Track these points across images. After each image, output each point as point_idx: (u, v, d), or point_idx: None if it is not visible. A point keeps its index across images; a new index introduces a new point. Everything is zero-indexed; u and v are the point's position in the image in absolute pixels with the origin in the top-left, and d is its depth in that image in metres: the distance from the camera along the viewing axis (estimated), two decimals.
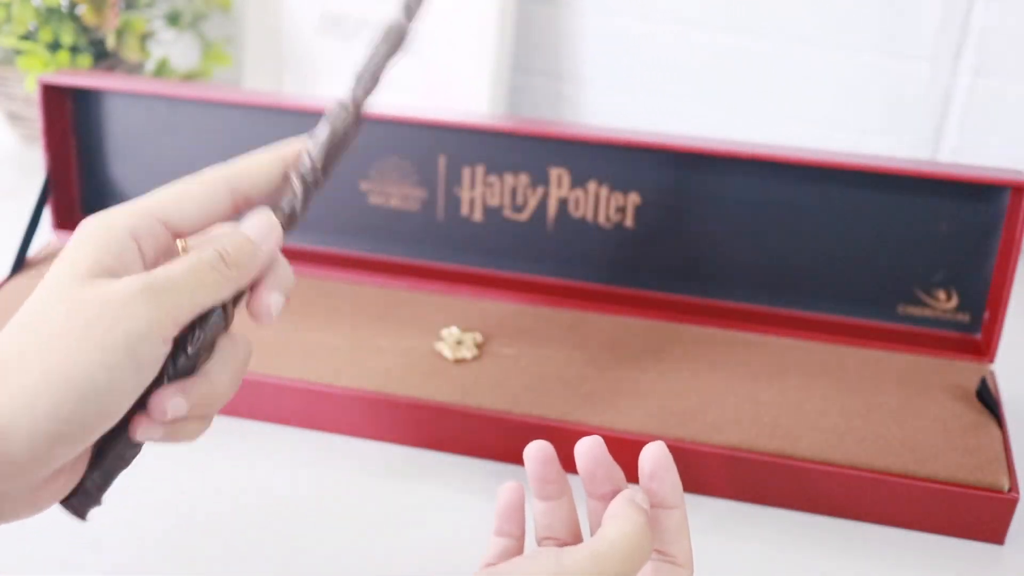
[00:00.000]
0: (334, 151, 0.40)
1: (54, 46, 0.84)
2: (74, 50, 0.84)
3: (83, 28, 0.84)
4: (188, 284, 0.33)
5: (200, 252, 0.35)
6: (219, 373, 0.35)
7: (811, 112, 0.86)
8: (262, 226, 0.37)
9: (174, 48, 0.96)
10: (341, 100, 0.41)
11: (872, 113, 0.85)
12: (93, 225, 0.34)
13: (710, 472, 0.53)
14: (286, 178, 0.39)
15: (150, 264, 0.35)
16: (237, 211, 0.38)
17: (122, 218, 0.35)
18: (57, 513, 0.36)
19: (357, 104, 0.41)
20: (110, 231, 0.34)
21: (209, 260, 0.34)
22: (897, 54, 0.82)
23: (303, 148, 0.39)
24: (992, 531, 0.51)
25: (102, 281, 0.32)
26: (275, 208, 0.38)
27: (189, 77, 0.91)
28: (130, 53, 0.84)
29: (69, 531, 0.48)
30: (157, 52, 0.94)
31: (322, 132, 0.40)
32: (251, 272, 0.36)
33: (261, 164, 0.38)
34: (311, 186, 0.39)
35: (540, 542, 0.39)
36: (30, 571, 0.47)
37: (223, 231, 0.37)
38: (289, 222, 0.38)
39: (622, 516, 0.34)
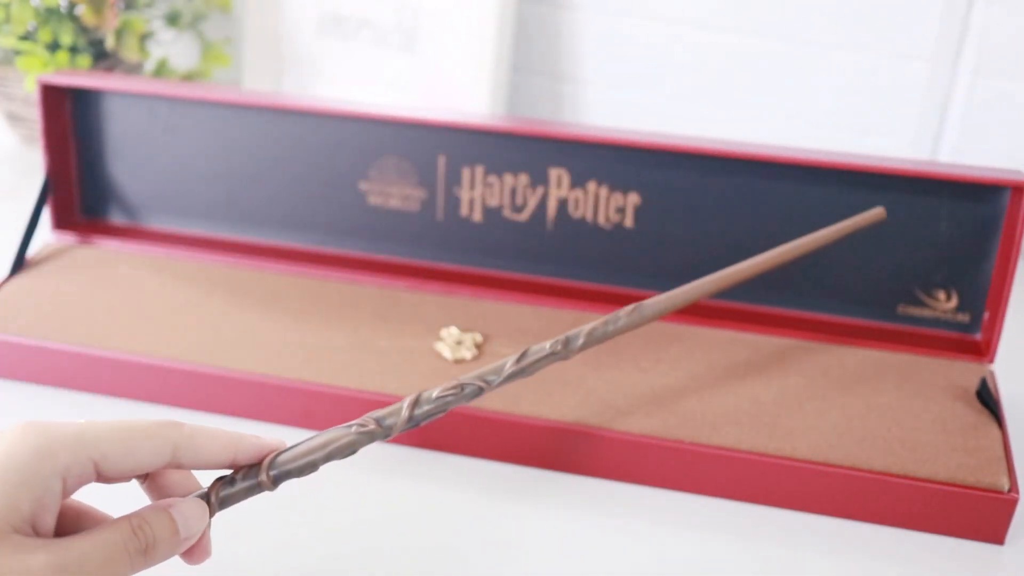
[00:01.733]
0: (314, 463, 0.38)
1: (53, 46, 0.84)
2: (73, 50, 0.84)
3: (82, 28, 0.84)
4: (98, 566, 0.33)
5: (119, 530, 0.34)
6: None
7: (811, 112, 0.86)
8: (192, 518, 0.36)
9: (173, 48, 0.96)
10: (377, 420, 0.39)
11: (872, 113, 0.85)
12: (30, 469, 0.32)
13: (709, 472, 0.53)
14: (234, 464, 0.37)
15: (68, 492, 0.34)
16: (168, 469, 0.37)
17: (61, 457, 0.33)
18: None
19: (389, 431, 0.39)
20: (41, 478, 0.32)
21: (125, 544, 0.34)
22: (897, 54, 0.82)
23: (276, 448, 0.38)
24: (992, 531, 0.51)
25: (14, 543, 0.31)
26: (211, 493, 0.37)
27: (189, 77, 0.91)
28: (129, 53, 0.84)
29: None
30: (156, 52, 0.94)
31: (320, 443, 0.38)
32: (165, 559, 0.35)
33: (213, 447, 0.37)
34: (264, 486, 0.37)
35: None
36: None
37: (149, 510, 0.35)
38: (219, 508, 0.37)
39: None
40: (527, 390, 0.56)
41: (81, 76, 0.68)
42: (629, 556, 0.49)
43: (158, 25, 0.92)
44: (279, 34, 0.95)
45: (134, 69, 0.90)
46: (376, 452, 0.55)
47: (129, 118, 0.69)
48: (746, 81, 0.87)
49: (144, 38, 0.87)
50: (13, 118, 0.90)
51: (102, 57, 0.87)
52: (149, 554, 0.34)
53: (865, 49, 0.83)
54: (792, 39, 0.85)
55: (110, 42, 0.83)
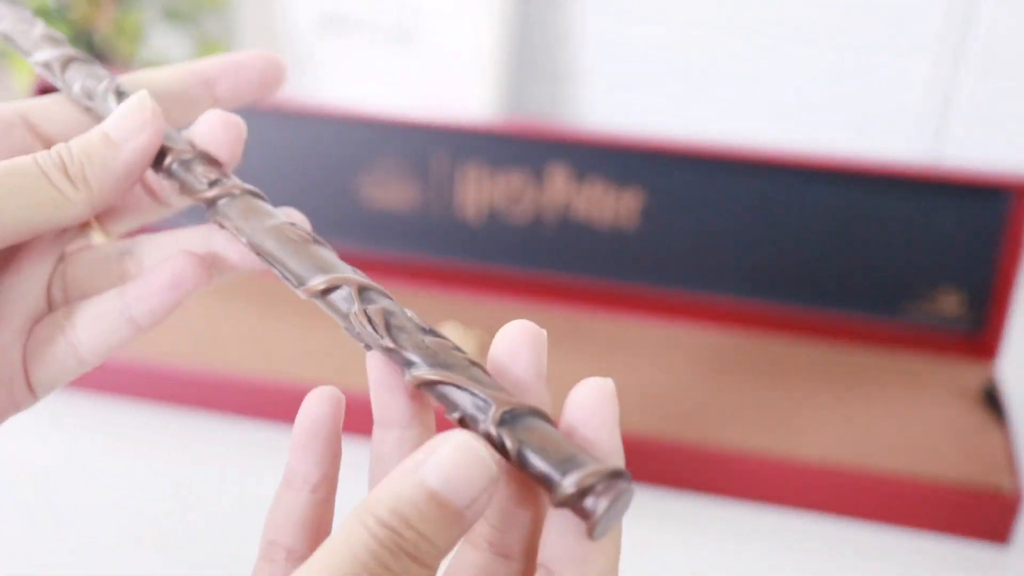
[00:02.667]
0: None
1: None
2: None
3: (74, 28, 0.84)
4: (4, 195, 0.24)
5: (38, 153, 0.25)
6: None
7: (812, 110, 0.86)
8: (130, 114, 0.26)
9: (168, 43, 0.95)
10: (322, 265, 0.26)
11: (874, 111, 0.85)
12: None
13: (709, 472, 0.53)
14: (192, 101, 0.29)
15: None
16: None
17: None
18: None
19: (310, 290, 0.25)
20: None
21: (42, 164, 0.25)
22: (900, 52, 0.82)
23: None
24: (997, 532, 0.51)
25: None
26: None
27: None
28: (122, 49, 0.84)
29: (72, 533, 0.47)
30: (150, 48, 0.94)
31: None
32: (105, 186, 0.26)
33: (168, 75, 0.29)
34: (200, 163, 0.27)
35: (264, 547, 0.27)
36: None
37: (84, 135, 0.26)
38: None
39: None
40: None
41: None
42: (626, 556, 0.49)
43: (154, 17, 0.91)
44: (277, 31, 0.95)
45: (126, 66, 0.90)
46: None
47: None
48: (747, 80, 0.87)
49: (138, 35, 0.86)
50: None
51: (94, 53, 0.86)
52: (75, 177, 0.25)
53: (867, 47, 0.83)
54: (793, 38, 0.84)
55: (104, 39, 0.83)
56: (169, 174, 0.27)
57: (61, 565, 0.47)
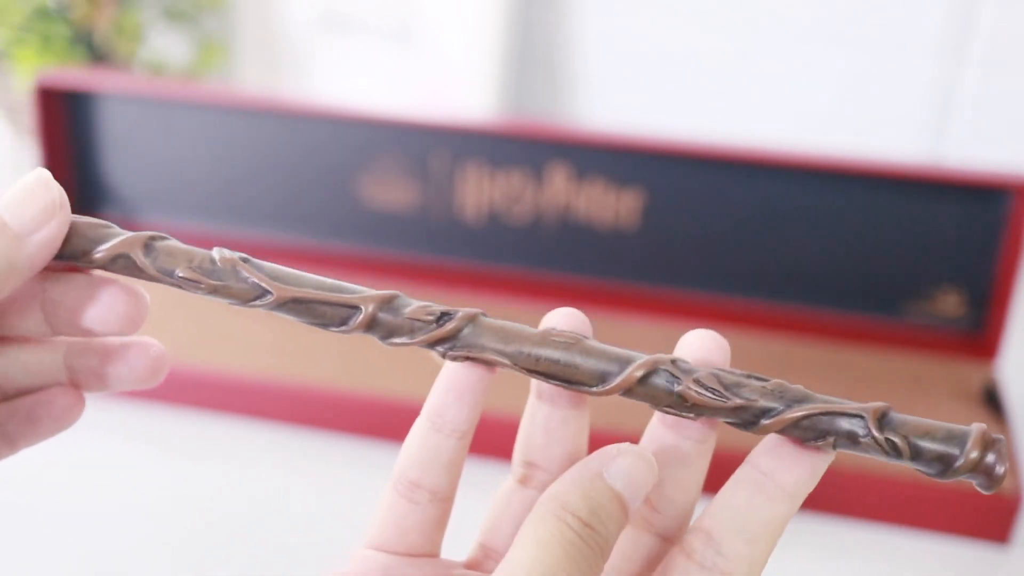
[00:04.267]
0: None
1: (45, 43, 0.83)
2: (66, 45, 0.84)
3: (74, 28, 0.83)
4: None
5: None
6: None
7: (814, 109, 0.86)
8: (31, 198, 0.23)
9: (168, 43, 0.95)
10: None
11: (876, 110, 0.85)
12: None
13: (710, 471, 0.52)
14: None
15: None
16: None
17: None
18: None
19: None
20: None
21: None
22: (902, 53, 0.82)
23: None
24: (997, 531, 0.51)
25: None
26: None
27: (185, 74, 0.90)
28: (122, 49, 0.84)
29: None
30: (150, 47, 0.93)
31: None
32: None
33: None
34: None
35: (518, 473, 0.28)
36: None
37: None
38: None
39: (535, 522, 0.23)
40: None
41: (76, 76, 0.67)
42: None
43: (152, 18, 0.91)
44: (277, 30, 0.95)
45: (126, 63, 0.89)
46: (375, 452, 0.55)
47: (125, 120, 0.68)
48: (748, 80, 0.87)
49: (136, 34, 0.86)
50: (10, 111, 0.90)
51: (94, 53, 0.86)
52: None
53: (869, 46, 0.83)
54: (794, 37, 0.84)
55: (101, 35, 0.83)
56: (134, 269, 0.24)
57: (62, 566, 0.47)
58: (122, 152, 0.70)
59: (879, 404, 0.24)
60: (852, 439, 0.24)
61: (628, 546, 0.27)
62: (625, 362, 0.24)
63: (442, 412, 0.26)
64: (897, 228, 0.61)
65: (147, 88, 0.66)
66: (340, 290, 0.25)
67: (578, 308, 0.62)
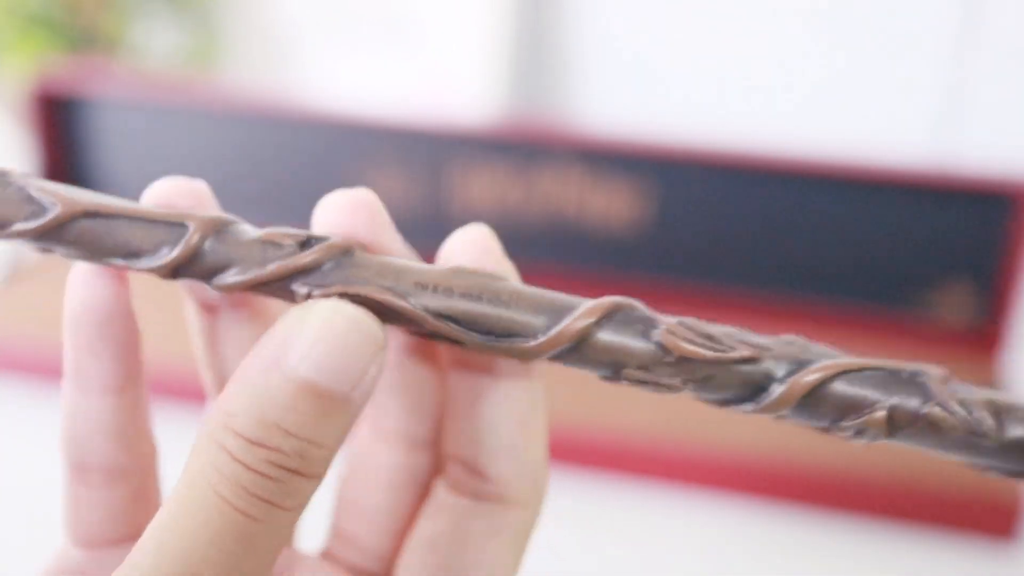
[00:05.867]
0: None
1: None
2: (52, 31, 0.83)
3: (59, 13, 0.82)
4: None
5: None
6: None
7: (815, 108, 0.86)
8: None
9: (159, 29, 0.94)
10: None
11: (878, 108, 0.84)
12: None
13: (711, 471, 0.53)
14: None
15: None
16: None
17: None
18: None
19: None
20: None
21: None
22: (909, 48, 0.81)
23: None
24: (1000, 529, 0.51)
25: None
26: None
27: (178, 65, 0.89)
28: (108, 33, 0.83)
29: None
30: (142, 34, 0.92)
31: None
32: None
33: None
34: None
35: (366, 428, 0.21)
36: None
37: None
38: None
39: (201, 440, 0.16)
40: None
41: (73, 79, 0.67)
42: (612, 553, 0.49)
43: (152, 11, 0.90)
44: (275, 25, 0.94)
45: (112, 48, 0.88)
46: None
47: (122, 123, 0.68)
48: (753, 76, 0.86)
49: (122, 19, 0.85)
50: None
51: (79, 38, 0.85)
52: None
53: (875, 46, 0.82)
54: (796, 36, 0.84)
55: (87, 20, 0.82)
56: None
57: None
58: (119, 154, 0.69)
59: (925, 367, 0.17)
60: (902, 411, 0.16)
61: (389, 466, 0.20)
62: (565, 309, 0.17)
63: (80, 362, 0.18)
64: (902, 226, 0.60)
65: (143, 89, 0.66)
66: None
67: None
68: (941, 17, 0.79)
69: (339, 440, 0.16)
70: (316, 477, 0.16)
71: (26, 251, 0.68)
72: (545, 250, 0.66)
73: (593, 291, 0.65)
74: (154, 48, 0.89)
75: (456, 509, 0.19)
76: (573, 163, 0.63)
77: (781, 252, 0.63)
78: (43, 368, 0.58)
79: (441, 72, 0.89)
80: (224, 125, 0.67)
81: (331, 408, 0.15)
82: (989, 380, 0.57)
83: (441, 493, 0.19)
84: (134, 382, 0.19)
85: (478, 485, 0.18)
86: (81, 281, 0.18)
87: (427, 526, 0.19)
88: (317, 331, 0.15)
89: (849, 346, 0.61)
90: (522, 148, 0.63)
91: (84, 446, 0.19)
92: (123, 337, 0.18)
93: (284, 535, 0.16)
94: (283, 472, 0.15)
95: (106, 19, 0.83)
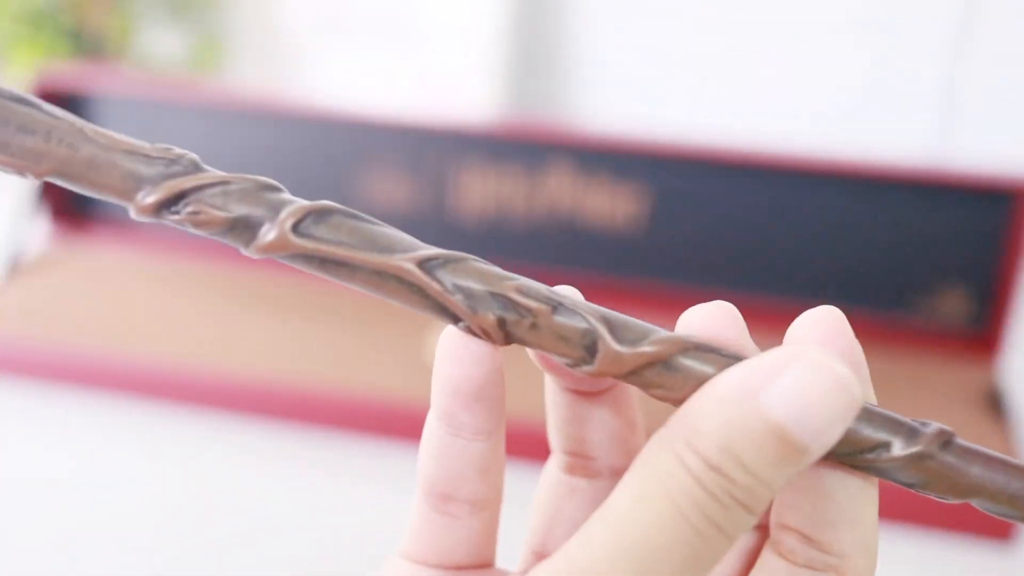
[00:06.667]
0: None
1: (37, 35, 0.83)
2: (58, 36, 0.83)
3: (66, 20, 0.83)
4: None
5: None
6: None
7: (814, 109, 0.86)
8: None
9: (164, 36, 0.94)
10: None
11: (880, 107, 0.84)
12: None
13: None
14: None
15: None
16: None
17: None
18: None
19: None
20: None
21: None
22: (909, 46, 0.81)
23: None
24: (999, 530, 0.51)
25: None
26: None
27: (182, 70, 0.90)
28: (114, 42, 0.83)
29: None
30: (147, 42, 0.93)
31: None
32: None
33: None
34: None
35: (562, 461, 0.22)
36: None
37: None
38: None
39: (649, 463, 0.17)
40: (533, 391, 0.55)
41: (75, 77, 0.67)
42: None
43: (149, 10, 0.91)
44: (277, 27, 0.94)
45: (118, 56, 0.89)
46: (374, 452, 0.55)
47: (126, 121, 0.68)
48: (753, 75, 0.86)
49: (128, 28, 0.85)
50: None
51: (85, 46, 0.86)
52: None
53: (873, 43, 0.82)
54: (798, 35, 0.84)
55: (92, 28, 0.82)
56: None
57: (63, 566, 0.47)
58: None
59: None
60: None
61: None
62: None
63: (455, 415, 0.20)
64: (901, 227, 0.60)
65: (145, 89, 0.66)
66: None
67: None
68: (940, 19, 0.79)
69: (780, 487, 0.16)
70: (756, 514, 0.16)
71: (25, 249, 0.68)
72: (544, 250, 0.66)
73: (593, 291, 0.65)
74: (158, 51, 0.89)
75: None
76: (572, 163, 0.63)
77: (779, 253, 0.63)
78: (43, 368, 0.58)
79: (441, 72, 0.90)
80: (226, 125, 0.67)
81: (790, 456, 0.16)
82: (988, 380, 0.57)
83: (772, 560, 0.19)
84: (499, 427, 0.20)
85: (814, 555, 0.18)
86: (459, 350, 0.19)
87: None
88: (802, 378, 0.16)
89: None
90: (522, 148, 0.63)
91: (453, 481, 0.20)
92: (495, 395, 0.20)
93: (716, 560, 0.16)
94: (732, 500, 0.16)
95: (110, 23, 0.83)
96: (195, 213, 0.18)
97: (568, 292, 0.19)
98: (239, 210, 0.18)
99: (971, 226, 0.59)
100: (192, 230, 0.18)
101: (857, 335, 0.62)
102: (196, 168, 0.18)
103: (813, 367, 0.16)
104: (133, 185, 0.18)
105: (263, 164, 0.67)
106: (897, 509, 0.51)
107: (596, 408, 0.21)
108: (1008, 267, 0.59)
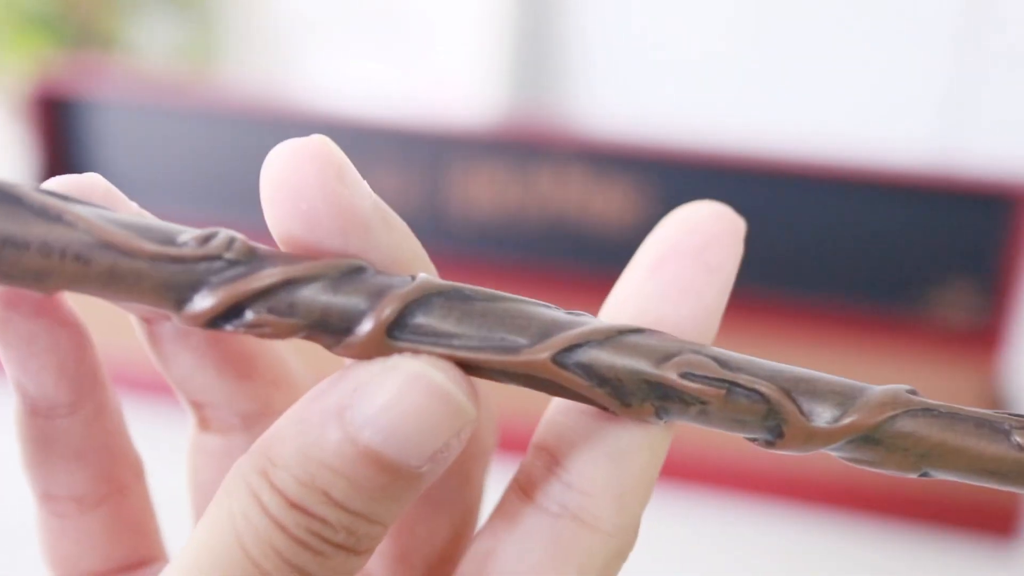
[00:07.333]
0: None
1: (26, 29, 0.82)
2: (47, 29, 0.83)
3: (56, 10, 0.82)
4: None
5: None
6: None
7: (817, 109, 0.86)
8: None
9: (157, 26, 0.94)
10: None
11: (879, 110, 0.84)
12: None
13: (712, 470, 0.52)
14: None
15: None
16: None
17: None
18: None
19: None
20: None
21: None
22: (915, 46, 0.81)
23: None
24: (1003, 528, 0.51)
25: None
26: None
27: (176, 61, 0.89)
28: (105, 31, 0.83)
29: None
30: (140, 32, 0.92)
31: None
32: None
33: None
34: None
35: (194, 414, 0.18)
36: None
37: None
38: None
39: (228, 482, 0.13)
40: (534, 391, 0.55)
41: (72, 85, 0.67)
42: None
43: (149, 6, 0.90)
44: (274, 24, 0.94)
45: (109, 46, 0.88)
46: None
47: (121, 125, 0.68)
48: (756, 73, 0.86)
49: (117, 17, 0.85)
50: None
51: (76, 35, 0.85)
52: None
53: (878, 43, 0.82)
54: (800, 35, 0.84)
55: (83, 17, 0.82)
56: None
57: None
58: (119, 154, 0.69)
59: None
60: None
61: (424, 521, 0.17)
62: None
63: (17, 384, 0.15)
64: (903, 227, 0.60)
65: (141, 92, 0.66)
66: None
67: (583, 306, 0.62)
68: (942, 20, 0.79)
69: (397, 516, 0.13)
70: (364, 553, 0.13)
71: None
72: (544, 250, 0.65)
73: (593, 291, 0.65)
74: (152, 46, 0.89)
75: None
76: (573, 163, 0.63)
77: (782, 252, 0.63)
78: None
79: (441, 71, 0.89)
80: (223, 125, 0.67)
81: (396, 481, 0.13)
82: (989, 380, 0.57)
83: (509, 499, 0.16)
84: (89, 397, 0.16)
85: (555, 490, 0.15)
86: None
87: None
88: (396, 393, 0.13)
89: (850, 346, 0.61)
90: (522, 148, 0.63)
91: (46, 473, 0.16)
92: (60, 349, 0.15)
93: None
94: (325, 545, 0.13)
95: (104, 17, 0.83)
96: (257, 326, 0.14)
97: (743, 363, 0.16)
98: (312, 316, 0.14)
99: (974, 226, 0.59)
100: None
101: (861, 335, 0.62)
102: (247, 258, 0.14)
103: (406, 379, 0.13)
104: (172, 296, 0.14)
105: (262, 164, 0.67)
106: (897, 510, 0.51)
107: (192, 344, 0.17)
108: (1010, 267, 0.59)
